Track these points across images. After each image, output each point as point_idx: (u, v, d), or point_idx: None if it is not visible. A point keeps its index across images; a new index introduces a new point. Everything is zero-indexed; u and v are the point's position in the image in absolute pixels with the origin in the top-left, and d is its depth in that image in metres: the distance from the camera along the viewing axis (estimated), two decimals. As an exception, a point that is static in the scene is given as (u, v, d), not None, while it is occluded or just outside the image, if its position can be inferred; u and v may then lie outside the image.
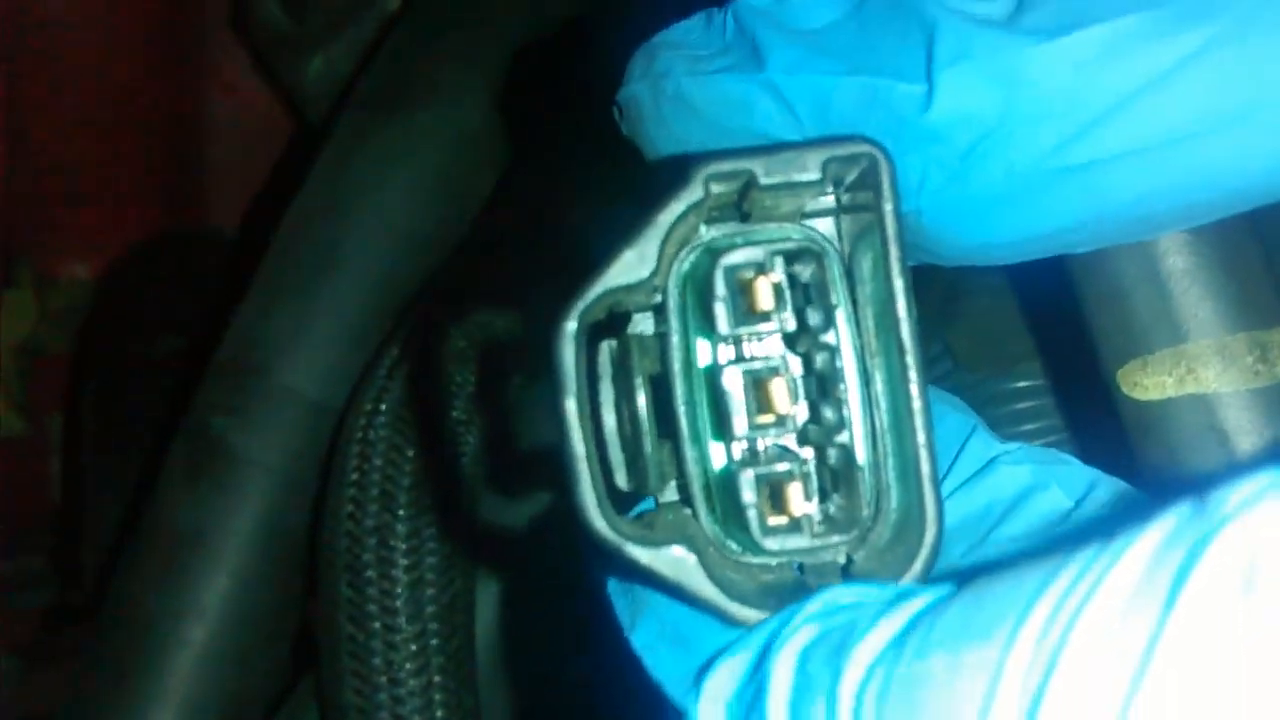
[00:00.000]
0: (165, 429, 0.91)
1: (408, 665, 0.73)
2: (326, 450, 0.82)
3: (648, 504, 0.36)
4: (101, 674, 0.82)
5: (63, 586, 1.16)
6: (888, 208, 0.32)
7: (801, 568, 0.34)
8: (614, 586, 0.38)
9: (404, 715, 0.73)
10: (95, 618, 0.88)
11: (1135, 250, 0.41)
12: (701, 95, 0.37)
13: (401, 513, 0.74)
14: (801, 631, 0.30)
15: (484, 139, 0.87)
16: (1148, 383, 0.42)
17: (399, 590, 0.73)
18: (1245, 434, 0.41)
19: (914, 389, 0.32)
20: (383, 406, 0.76)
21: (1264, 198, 0.36)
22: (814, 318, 0.33)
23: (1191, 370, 0.41)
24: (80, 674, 0.84)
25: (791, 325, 0.34)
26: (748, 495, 0.33)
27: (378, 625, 0.73)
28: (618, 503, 0.33)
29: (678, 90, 0.38)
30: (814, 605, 0.31)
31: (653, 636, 0.36)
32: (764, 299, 0.33)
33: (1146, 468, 0.43)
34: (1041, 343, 0.61)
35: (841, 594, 0.31)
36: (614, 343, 0.34)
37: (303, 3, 1.05)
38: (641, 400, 0.34)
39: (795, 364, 0.34)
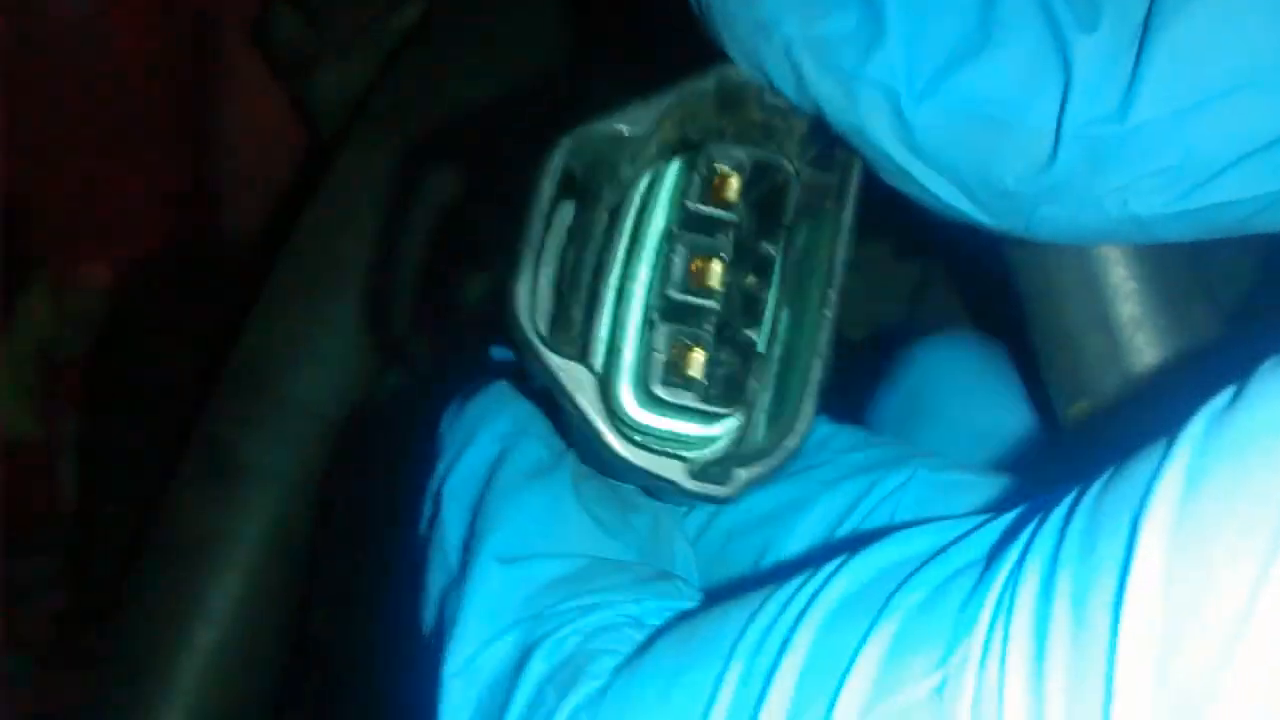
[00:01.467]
0: (178, 434, 0.93)
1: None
2: (332, 459, 0.85)
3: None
4: (113, 675, 0.84)
5: (75, 589, 1.18)
6: (851, 185, 0.37)
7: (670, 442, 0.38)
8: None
9: None
10: (107, 620, 0.91)
11: (1087, 296, 0.43)
12: (815, 75, 0.35)
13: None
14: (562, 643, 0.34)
15: (494, 159, 0.89)
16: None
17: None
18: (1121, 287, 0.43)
19: (828, 311, 0.37)
20: (385, 420, 0.78)
21: None
22: (764, 228, 0.38)
23: None
24: (93, 676, 0.86)
25: (743, 227, 0.38)
26: (659, 344, 0.37)
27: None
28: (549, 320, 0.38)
29: (787, 51, 0.36)
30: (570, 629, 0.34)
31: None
32: (731, 192, 0.37)
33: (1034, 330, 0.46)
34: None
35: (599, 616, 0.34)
36: (581, 197, 0.38)
37: (319, 18, 1.07)
38: (593, 245, 0.38)
39: (742, 257, 0.38)
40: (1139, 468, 0.26)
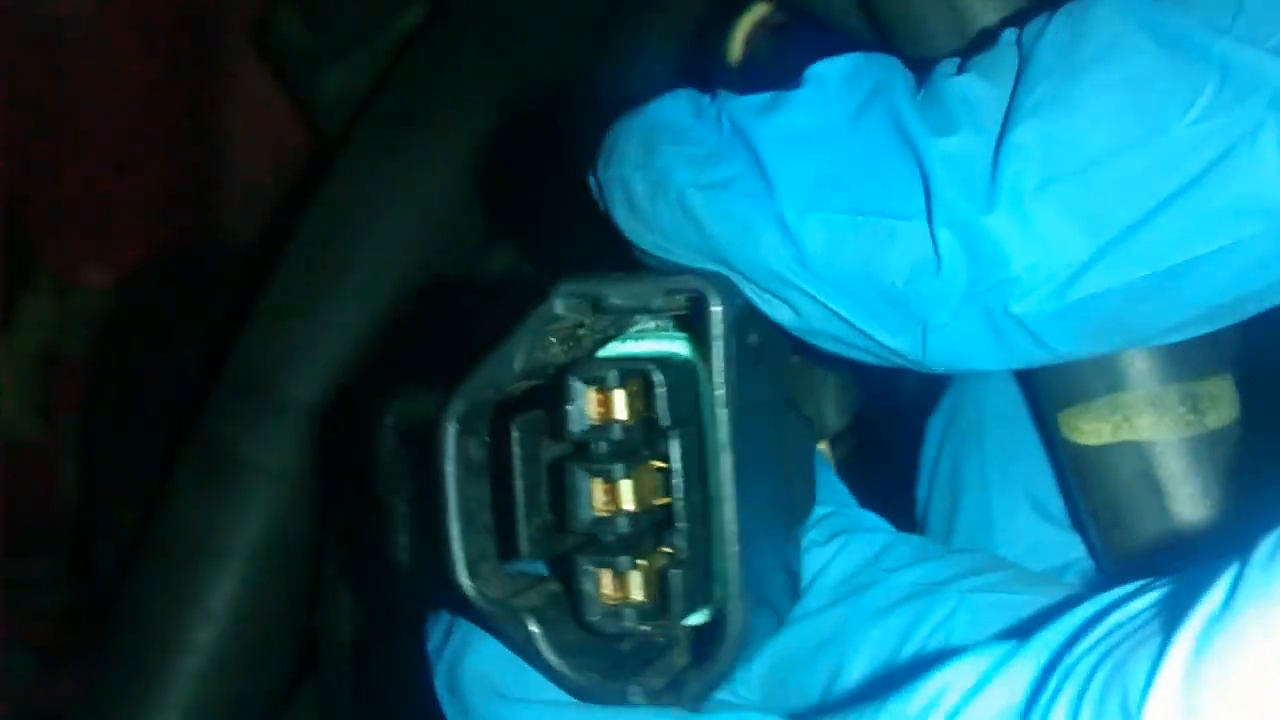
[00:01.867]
0: (179, 435, 0.93)
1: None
2: (331, 458, 0.85)
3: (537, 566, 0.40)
4: (112, 675, 0.85)
5: (77, 588, 1.19)
6: (715, 338, 0.36)
7: (632, 646, 0.38)
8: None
9: (402, 721, 0.76)
10: (108, 618, 0.91)
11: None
12: (707, 213, 0.37)
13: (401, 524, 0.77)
14: None
15: (498, 160, 0.89)
16: (1086, 428, 0.44)
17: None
18: (1177, 481, 0.44)
19: (727, 514, 0.36)
20: (383, 422, 0.78)
21: (1248, 311, 0.37)
22: (655, 428, 0.37)
23: (1127, 419, 0.44)
24: (92, 675, 0.87)
25: (643, 427, 0.37)
26: (580, 580, 0.36)
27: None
28: (494, 562, 0.38)
29: (681, 199, 0.38)
30: None
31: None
32: (615, 408, 0.37)
33: (1085, 509, 0.46)
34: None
35: None
36: (522, 421, 0.38)
37: (322, 18, 1.07)
38: (518, 475, 0.38)
39: (644, 464, 0.37)
40: (1136, 665, 0.28)
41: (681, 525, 0.37)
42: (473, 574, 0.37)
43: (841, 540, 0.42)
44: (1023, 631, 0.34)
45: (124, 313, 1.21)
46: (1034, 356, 0.37)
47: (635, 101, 0.40)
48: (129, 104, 1.19)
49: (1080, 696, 0.30)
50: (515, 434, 0.38)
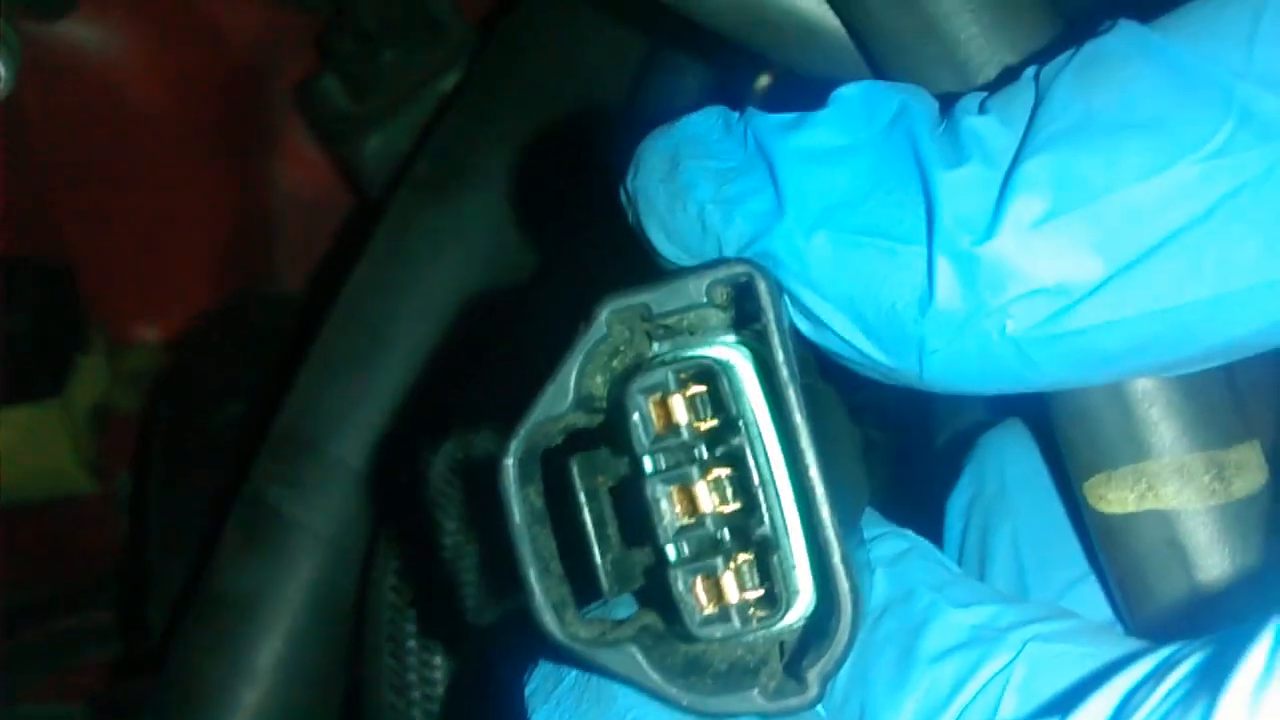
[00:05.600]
0: (227, 490, 0.95)
1: None
2: (374, 520, 0.86)
3: (620, 601, 0.39)
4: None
5: (129, 641, 1.20)
6: (769, 319, 0.36)
7: (743, 653, 0.38)
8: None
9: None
10: (160, 671, 0.92)
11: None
12: (723, 227, 0.39)
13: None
14: None
15: (529, 220, 0.91)
16: (1111, 497, 0.44)
17: (437, 660, 0.77)
18: (1203, 550, 0.43)
19: (818, 489, 0.35)
20: (425, 479, 0.80)
21: (1242, 354, 0.38)
22: (721, 427, 0.37)
23: (1152, 487, 0.44)
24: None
25: (710, 428, 0.37)
26: (678, 590, 0.36)
27: (417, 695, 0.76)
28: (580, 600, 0.37)
29: (700, 213, 0.39)
30: None
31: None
32: (678, 413, 0.37)
33: (1112, 575, 0.46)
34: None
35: None
36: (577, 459, 0.38)
37: (363, 84, 1.10)
38: (587, 513, 0.38)
39: (719, 465, 0.37)
40: None
41: (767, 514, 0.37)
42: (561, 620, 0.36)
43: (900, 558, 0.42)
44: (1077, 692, 0.34)
45: (175, 370, 1.24)
46: (1029, 381, 0.38)
47: (668, 117, 0.42)
48: (178, 166, 1.22)
49: None
50: (575, 470, 0.38)
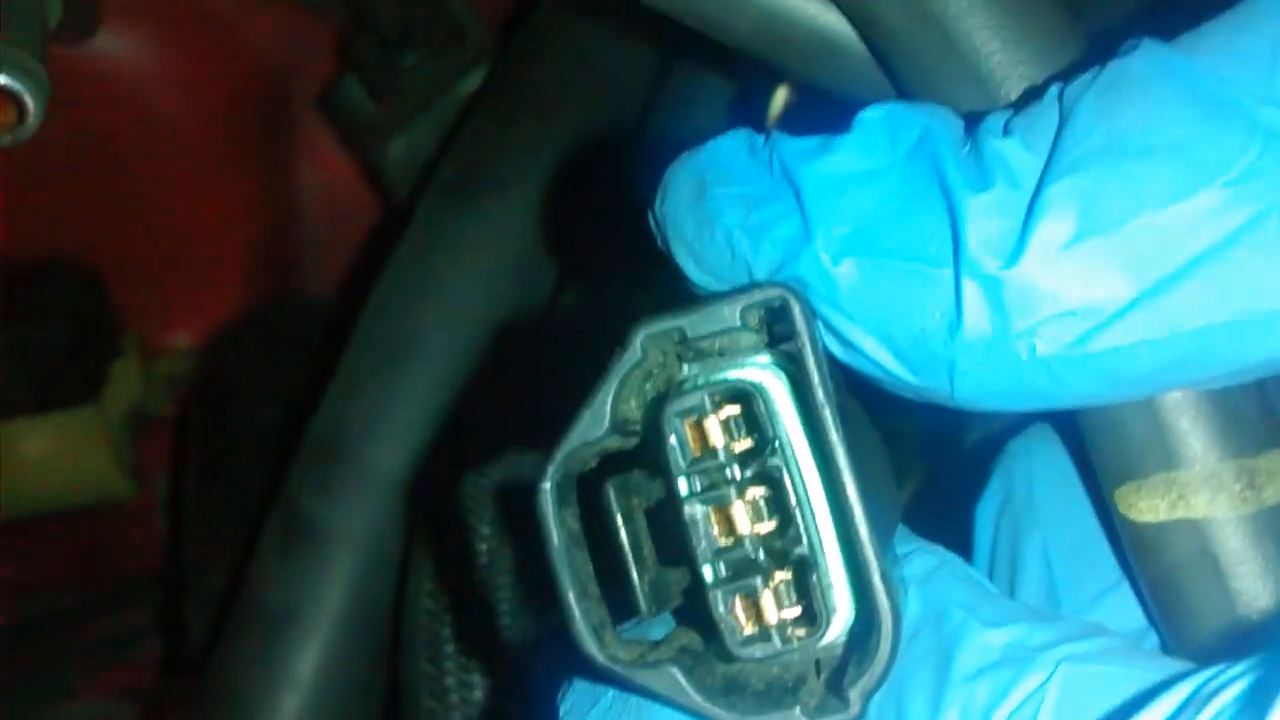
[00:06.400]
0: (264, 492, 0.96)
1: None
2: (409, 526, 0.87)
3: (654, 622, 0.40)
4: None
5: (169, 641, 1.22)
6: (804, 342, 0.36)
7: (781, 672, 0.38)
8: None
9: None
10: (202, 674, 0.94)
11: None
12: (752, 253, 0.39)
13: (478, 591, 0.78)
14: None
15: (554, 226, 0.91)
16: (1141, 505, 0.44)
17: (475, 665, 0.78)
18: (1236, 559, 0.43)
19: (856, 508, 0.35)
20: (458, 496, 0.80)
21: (1271, 372, 0.39)
22: (755, 448, 0.37)
23: (1183, 496, 0.43)
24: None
25: (745, 449, 0.37)
26: (718, 611, 0.37)
27: (455, 698, 0.77)
28: (620, 619, 0.38)
29: (729, 240, 0.39)
30: None
31: None
32: (713, 435, 0.37)
33: (1145, 585, 0.46)
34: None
35: None
36: (613, 483, 0.38)
37: (385, 87, 1.10)
38: (623, 535, 0.38)
39: (755, 485, 0.38)
40: None
41: (805, 533, 0.37)
42: (600, 642, 0.37)
43: (931, 575, 0.42)
44: (1114, 718, 0.34)
45: (207, 374, 1.25)
46: (1060, 400, 0.38)
47: (694, 140, 0.42)
48: (205, 172, 1.23)
49: None
50: (611, 493, 0.38)
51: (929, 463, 0.76)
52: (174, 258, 1.26)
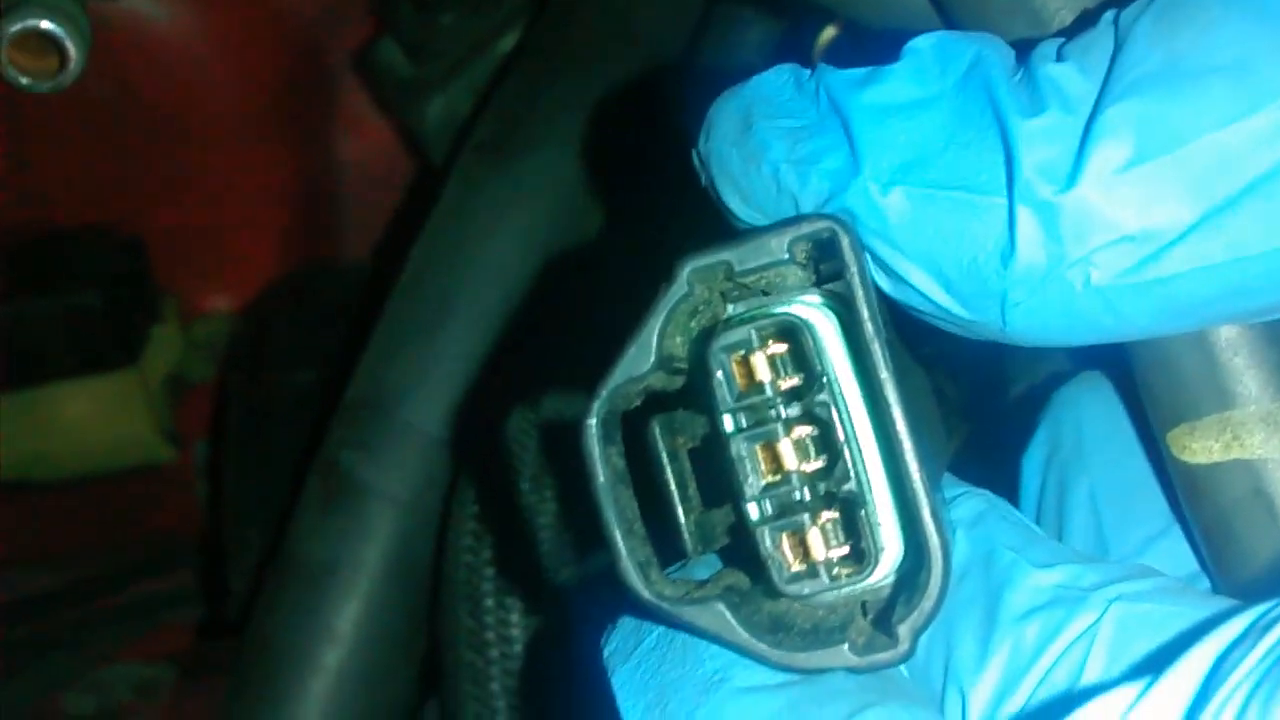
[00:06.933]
0: (302, 456, 0.97)
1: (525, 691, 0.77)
2: (448, 483, 0.87)
3: (698, 563, 0.39)
4: (243, 697, 0.88)
5: (210, 603, 1.23)
6: (853, 274, 0.36)
7: (827, 615, 0.38)
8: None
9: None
10: (242, 633, 0.95)
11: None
12: (800, 186, 0.38)
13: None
14: None
15: (591, 183, 0.91)
16: (1195, 446, 0.44)
17: (514, 619, 0.78)
18: None
19: (905, 444, 0.35)
20: (500, 439, 0.80)
21: None
22: (802, 385, 0.37)
23: (1237, 437, 0.43)
24: (226, 698, 0.91)
25: (792, 386, 0.37)
26: (766, 547, 0.36)
27: (495, 653, 0.77)
28: (664, 559, 0.37)
29: (775, 173, 0.38)
30: None
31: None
32: (760, 371, 0.37)
33: (1197, 528, 0.45)
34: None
35: None
36: (658, 420, 0.38)
37: (422, 48, 1.10)
38: (669, 474, 0.38)
39: (802, 424, 0.37)
40: None
41: (852, 471, 0.36)
42: (647, 578, 0.37)
43: (980, 519, 0.42)
44: (1166, 652, 0.34)
45: (246, 338, 1.26)
46: (1115, 331, 0.37)
47: (738, 78, 0.41)
48: (242, 137, 1.23)
49: None
50: (656, 430, 0.38)
51: (972, 424, 0.75)
52: (213, 223, 1.26)
